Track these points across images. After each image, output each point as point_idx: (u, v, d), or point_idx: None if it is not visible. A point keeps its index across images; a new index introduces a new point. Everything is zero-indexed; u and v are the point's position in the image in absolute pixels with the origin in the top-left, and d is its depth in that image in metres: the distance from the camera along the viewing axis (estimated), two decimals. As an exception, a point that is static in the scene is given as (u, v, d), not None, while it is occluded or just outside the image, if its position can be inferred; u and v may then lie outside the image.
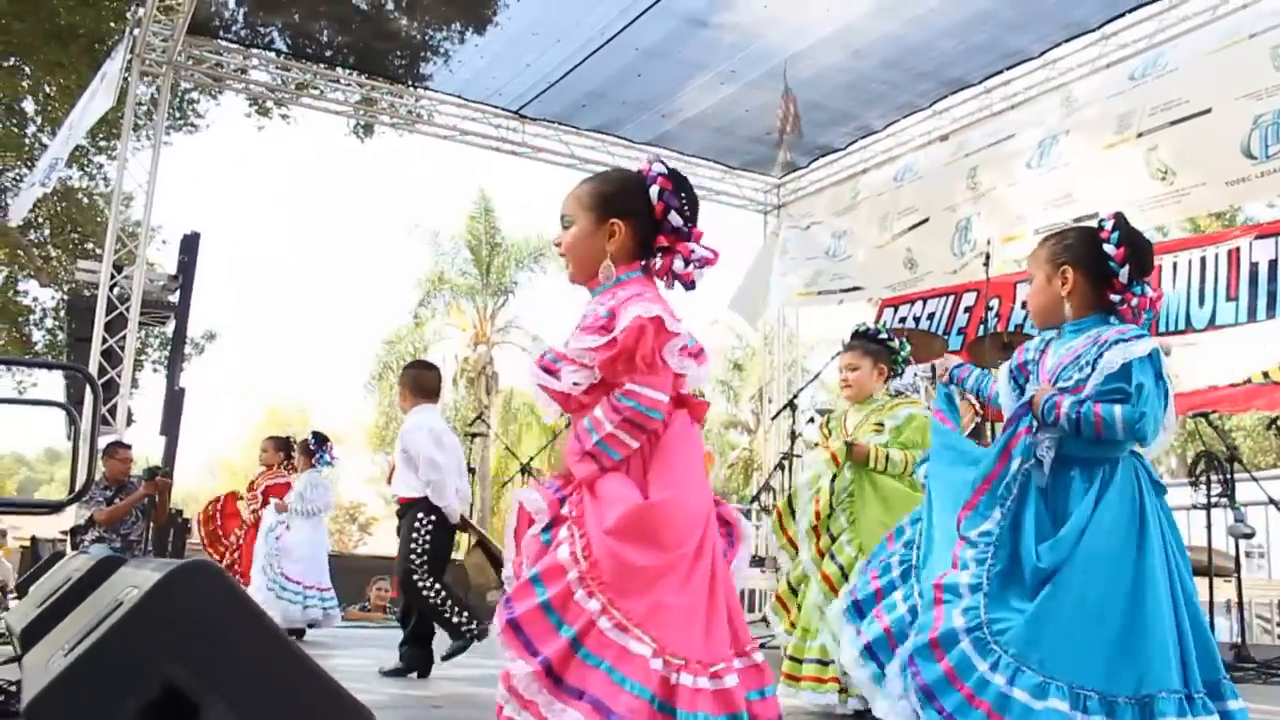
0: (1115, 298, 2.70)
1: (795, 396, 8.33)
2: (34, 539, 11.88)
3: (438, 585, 5.41)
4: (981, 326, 8.68)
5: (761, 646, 2.24)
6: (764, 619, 8.91)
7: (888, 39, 8.97)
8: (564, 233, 2.31)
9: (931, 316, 10.09)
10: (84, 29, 12.84)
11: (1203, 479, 7.23)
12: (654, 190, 2.26)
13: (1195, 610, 2.51)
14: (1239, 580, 7.19)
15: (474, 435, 13.27)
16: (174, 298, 9.93)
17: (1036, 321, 2.86)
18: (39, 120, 15.06)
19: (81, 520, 8.01)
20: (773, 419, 12.12)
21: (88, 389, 7.32)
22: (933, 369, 3.34)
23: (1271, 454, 19.08)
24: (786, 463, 8.74)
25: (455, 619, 5.38)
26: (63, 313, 15.06)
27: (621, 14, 8.69)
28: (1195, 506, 7.32)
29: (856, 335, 4.71)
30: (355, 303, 77.73)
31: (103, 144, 15.09)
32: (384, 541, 32.27)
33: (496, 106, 10.85)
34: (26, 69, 14.19)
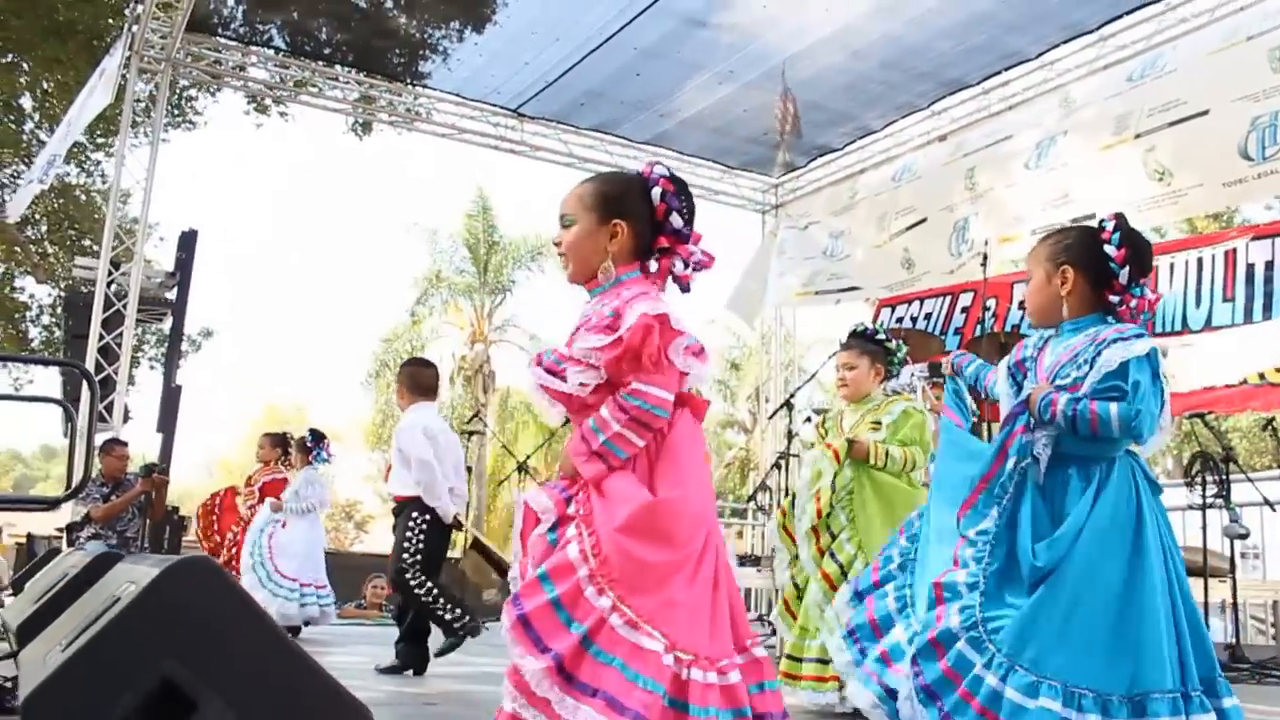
0: (1114, 298, 2.70)
1: (792, 396, 8.34)
2: (30, 536, 11.89)
3: (429, 583, 5.42)
4: (978, 327, 8.70)
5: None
6: (759, 618, 8.92)
7: (886, 40, 8.97)
8: (564, 232, 2.32)
9: (929, 316, 10.10)
10: (82, 25, 12.82)
11: (1198, 480, 7.25)
12: (656, 192, 2.28)
13: (1191, 608, 2.53)
14: (1234, 581, 7.20)
15: (471, 433, 13.27)
16: (171, 295, 9.92)
17: (1034, 320, 2.86)
18: (37, 117, 15.05)
19: (78, 517, 8.01)
20: (769, 418, 12.13)
21: (84, 386, 7.31)
22: (929, 369, 3.36)
23: (1267, 455, 19.09)
24: (783, 462, 8.74)
25: (448, 616, 5.38)
26: (60, 309, 15.04)
27: (620, 13, 8.69)
28: (1191, 507, 7.34)
29: (853, 335, 4.72)
30: (353, 300, 77.72)
31: (100, 141, 15.07)
32: (380, 539, 32.23)
33: (495, 105, 10.84)
34: (24, 65, 14.17)
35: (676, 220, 2.27)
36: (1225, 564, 7.35)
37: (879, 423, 4.52)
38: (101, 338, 9.14)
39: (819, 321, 19.42)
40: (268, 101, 13.06)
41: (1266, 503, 7.36)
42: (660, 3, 8.49)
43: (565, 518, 2.15)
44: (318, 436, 8.05)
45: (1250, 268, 7.47)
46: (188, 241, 9.97)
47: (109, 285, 9.30)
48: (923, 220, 9.95)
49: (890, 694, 2.69)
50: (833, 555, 4.33)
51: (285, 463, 8.30)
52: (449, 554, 6.60)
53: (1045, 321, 2.82)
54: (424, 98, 11.10)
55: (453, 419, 22.86)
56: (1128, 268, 2.67)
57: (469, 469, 7.09)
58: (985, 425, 6.02)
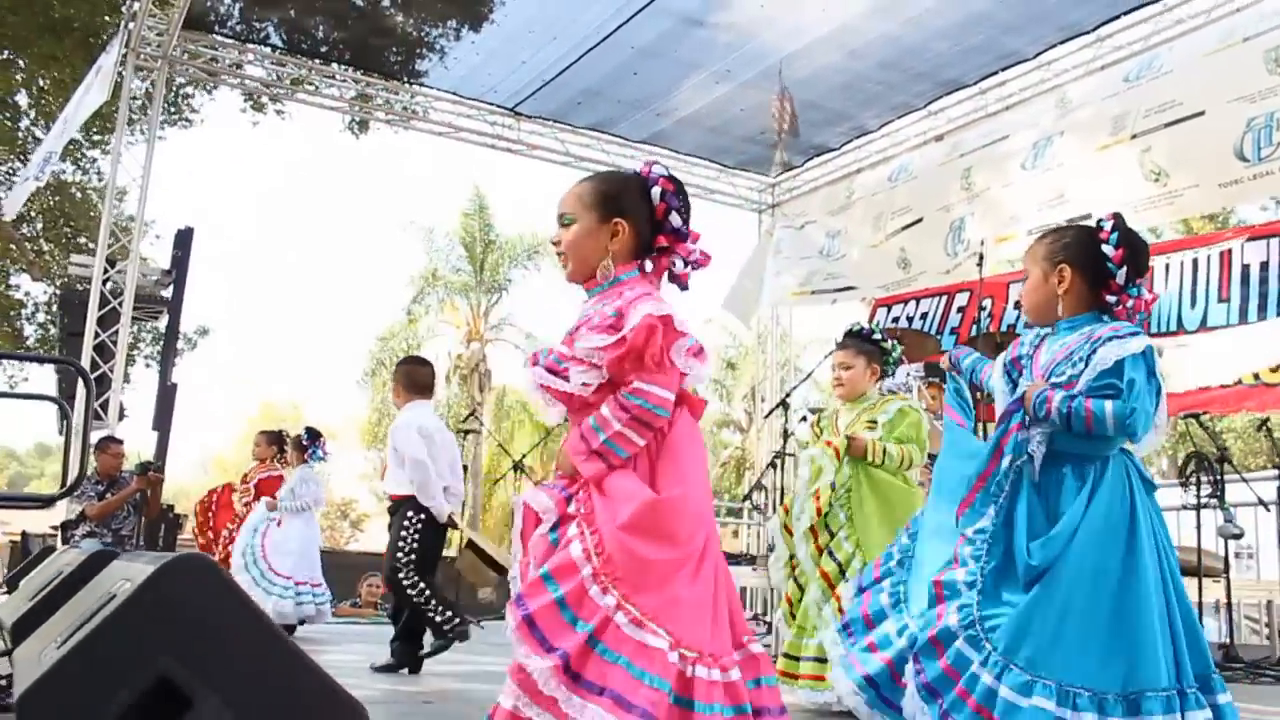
0: (1111, 298, 2.71)
1: (788, 395, 8.33)
2: (24, 534, 11.88)
3: (422, 584, 5.41)
4: (974, 327, 8.70)
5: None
6: (755, 617, 8.93)
7: (883, 39, 8.98)
8: (563, 231, 2.32)
9: (924, 316, 10.11)
10: (78, 22, 12.80)
11: (1193, 480, 7.26)
12: (656, 191, 2.29)
13: (1186, 606, 2.54)
14: (1228, 581, 7.22)
15: (466, 432, 13.29)
16: (167, 293, 9.91)
17: (1030, 317, 2.87)
18: (32, 114, 15.03)
19: (72, 515, 8.00)
20: (765, 418, 12.13)
21: (80, 383, 7.30)
22: (925, 369, 3.37)
23: (1262, 456, 19.12)
24: (779, 461, 8.74)
25: (439, 618, 5.37)
26: (55, 307, 15.00)
27: (617, 12, 8.69)
28: (1185, 507, 7.35)
29: (849, 335, 4.73)
30: (349, 299, 77.72)
31: (97, 138, 15.05)
32: (376, 538, 32.22)
33: (492, 104, 10.84)
34: (20, 62, 14.15)
35: (676, 219, 2.28)
36: (1219, 564, 7.37)
37: (874, 422, 4.53)
38: (97, 335, 9.13)
39: (815, 321, 19.40)
40: (264, 99, 13.04)
41: (1261, 503, 7.37)
42: (657, 2, 8.49)
43: (566, 517, 2.15)
44: (313, 435, 8.05)
45: (1245, 268, 7.49)
46: (184, 239, 9.97)
47: (105, 283, 9.28)
48: (919, 220, 9.96)
49: (870, 682, 2.71)
50: (831, 554, 4.33)
51: (281, 461, 8.29)
52: (444, 553, 6.59)
53: (1041, 320, 2.83)
54: (421, 96, 11.10)
55: (449, 418, 22.85)
56: (1125, 268, 2.68)
57: (465, 468, 7.08)
58: (982, 426, 6.03)
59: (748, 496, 11.27)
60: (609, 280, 2.27)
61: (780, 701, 2.15)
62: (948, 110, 10.19)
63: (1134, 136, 7.92)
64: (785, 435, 8.26)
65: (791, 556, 4.52)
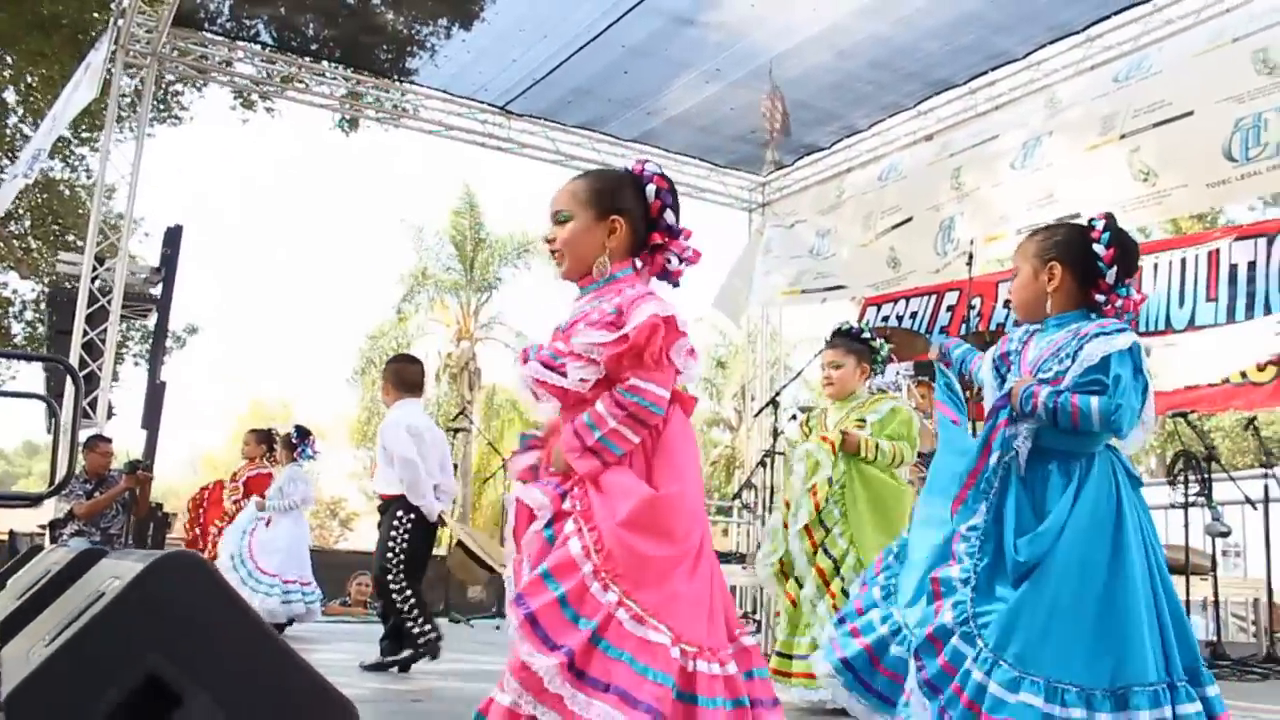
0: (1100, 298, 2.72)
1: (778, 394, 8.36)
2: (12, 533, 11.81)
3: (409, 591, 5.35)
4: (964, 326, 8.73)
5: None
6: (745, 615, 8.93)
7: (874, 39, 8.99)
8: (558, 228, 2.32)
9: (914, 315, 10.13)
10: (67, 19, 12.75)
11: (1181, 478, 7.30)
12: (651, 189, 2.30)
13: (1174, 600, 2.55)
14: (1215, 579, 7.26)
15: (456, 430, 13.27)
16: (156, 291, 9.87)
17: (1020, 314, 2.87)
18: (20, 111, 14.96)
19: (61, 514, 7.97)
20: (755, 416, 12.14)
21: (68, 381, 7.28)
22: (915, 367, 3.38)
23: (1249, 454, 19.21)
24: (769, 460, 8.76)
25: (415, 629, 5.30)
26: (43, 305, 14.94)
27: (608, 11, 8.68)
28: (1173, 505, 7.39)
29: (839, 334, 4.75)
30: (339, 297, 77.53)
31: (85, 135, 14.99)
32: (365, 537, 32.18)
33: (482, 102, 10.82)
34: (8, 59, 14.10)
35: (670, 216, 2.30)
36: (1207, 562, 7.41)
37: (863, 420, 4.55)
38: (86, 334, 9.09)
39: (805, 320, 19.44)
40: (254, 97, 13.01)
41: (1248, 501, 7.41)
42: (648, 1, 8.49)
43: (561, 513, 2.14)
44: (303, 433, 8.03)
45: (1233, 268, 7.52)
46: (173, 237, 9.93)
47: (93, 281, 9.25)
48: (909, 219, 9.97)
49: (846, 665, 2.73)
50: (826, 550, 4.34)
51: (271, 459, 8.28)
52: (434, 551, 6.58)
53: (1030, 317, 2.84)
54: (411, 94, 11.08)
55: (438, 416, 22.83)
56: (1115, 268, 2.69)
57: (454, 466, 7.08)
58: (974, 425, 6.05)
59: (737, 495, 11.28)
60: (605, 278, 2.27)
61: (773, 693, 2.17)
62: (937, 110, 10.21)
63: (1123, 136, 7.94)
64: (775, 434, 8.28)
65: (782, 557, 4.52)
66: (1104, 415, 2.50)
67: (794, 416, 6.38)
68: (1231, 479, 7.37)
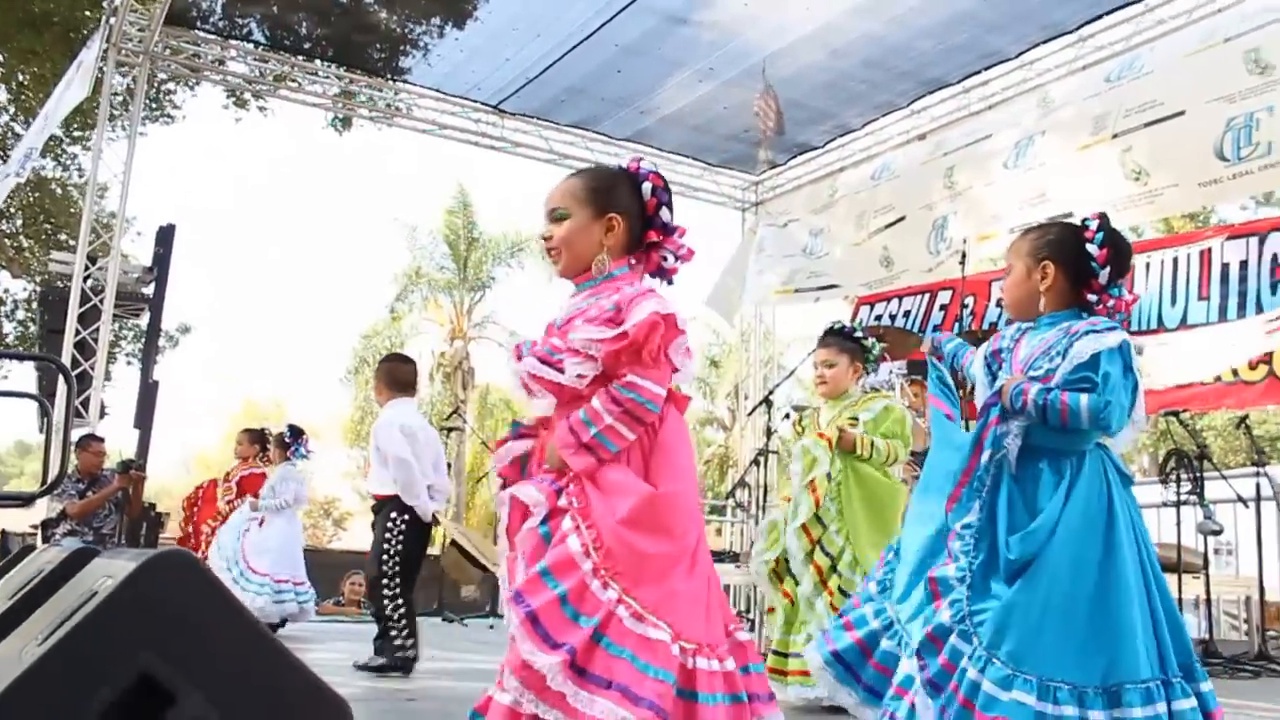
0: (1092, 297, 2.72)
1: (771, 393, 8.36)
2: (4, 532, 11.81)
3: (400, 600, 5.30)
4: (956, 325, 8.74)
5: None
6: (739, 614, 8.94)
7: (867, 38, 9.00)
8: (555, 226, 2.32)
9: (907, 314, 10.15)
10: (58, 17, 12.71)
11: (1173, 477, 7.32)
12: (647, 187, 2.32)
13: (1166, 597, 2.56)
14: (1207, 577, 7.28)
15: (450, 430, 13.27)
16: (149, 290, 9.86)
17: (1011, 312, 2.88)
18: (12, 109, 14.92)
19: (53, 513, 7.96)
20: (749, 415, 12.15)
21: (60, 381, 7.27)
22: (908, 366, 3.39)
23: (1241, 453, 19.26)
24: (762, 459, 8.76)
25: (397, 639, 5.25)
26: (35, 304, 14.92)
27: (601, 10, 8.69)
28: (1165, 504, 7.41)
29: (831, 333, 4.75)
30: (332, 296, 77.29)
31: (77, 134, 14.95)
32: (359, 536, 32.12)
33: (475, 101, 10.82)
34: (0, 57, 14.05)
35: (665, 214, 2.31)
36: (1199, 560, 7.43)
37: (856, 418, 4.56)
38: (78, 333, 9.08)
39: (798, 319, 19.44)
40: (247, 96, 12.98)
41: (1240, 500, 7.43)
42: (641, 0, 8.49)
43: (556, 510, 2.14)
44: (296, 432, 8.02)
45: (1225, 267, 7.55)
46: (165, 236, 9.92)
47: (86, 280, 9.23)
48: (902, 218, 9.99)
49: (837, 658, 2.75)
50: (823, 548, 4.35)
51: (264, 459, 8.27)
52: (428, 551, 6.57)
53: (1022, 315, 2.84)
54: (404, 93, 11.07)
55: (432, 415, 22.82)
56: (1108, 268, 2.69)
57: (448, 465, 7.07)
58: (966, 424, 6.07)
59: (731, 494, 11.29)
60: (603, 275, 2.28)
61: (768, 687, 2.19)
62: (930, 109, 10.23)
63: (1115, 136, 7.96)
64: (768, 433, 8.28)
65: (778, 555, 4.50)
66: (1093, 413, 2.51)
67: (787, 415, 6.38)
68: (1224, 477, 7.38)
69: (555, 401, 2.20)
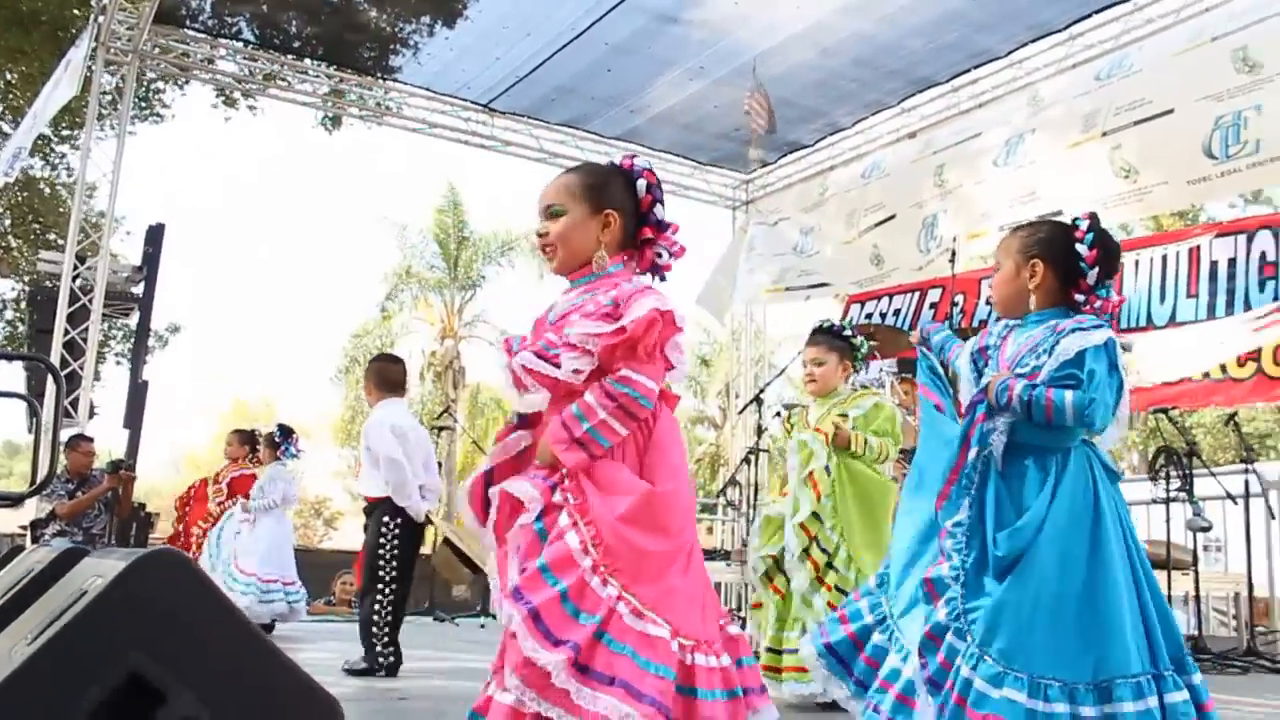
0: (1080, 297, 2.73)
1: (762, 391, 8.36)
2: (-7, 533, 11.75)
3: (391, 605, 5.27)
4: (946, 322, 8.75)
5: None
6: (730, 612, 8.95)
7: (857, 37, 9.01)
8: (551, 222, 2.31)
9: (897, 312, 10.17)
10: (46, 16, 12.66)
11: (1162, 474, 7.34)
12: (641, 184, 2.32)
13: (1156, 591, 2.57)
14: (1196, 573, 7.31)
15: (441, 429, 13.25)
16: (138, 289, 9.82)
17: (999, 310, 2.88)
18: (0, 109, 14.85)
19: (42, 514, 7.93)
20: (739, 414, 12.16)
21: (49, 381, 7.24)
22: (898, 364, 3.39)
23: (1230, 450, 19.34)
24: (753, 457, 8.77)
25: (378, 645, 5.21)
26: (24, 304, 14.86)
27: (591, 9, 8.68)
28: (1155, 501, 7.44)
29: (819, 331, 4.76)
30: (322, 296, 77.15)
31: (66, 133, 14.90)
32: (350, 536, 32.10)
33: (466, 100, 10.81)
34: (-12, 56, 13.99)
35: (660, 211, 2.32)
36: (1188, 557, 7.46)
37: (845, 415, 4.56)
38: (67, 333, 9.04)
39: (789, 318, 19.49)
40: (236, 95, 12.95)
41: (1229, 496, 7.46)
42: (631, -1, 8.50)
43: (551, 506, 2.13)
44: (286, 432, 8.00)
45: (1214, 265, 7.58)
46: (155, 235, 9.88)
47: (74, 279, 9.20)
48: (892, 217, 10.00)
49: (830, 650, 2.76)
50: (819, 544, 4.35)
51: (254, 459, 8.25)
52: (421, 550, 6.54)
53: (1010, 312, 2.85)
54: (394, 92, 11.06)
55: (423, 415, 22.79)
56: (1097, 268, 2.69)
57: (439, 465, 7.05)
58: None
59: (721, 492, 11.29)
60: (600, 271, 2.28)
61: (760, 681, 2.19)
62: (920, 108, 10.25)
63: (1104, 134, 7.99)
64: (759, 431, 8.30)
65: (776, 558, 4.49)
66: (1077, 410, 2.51)
67: (778, 414, 6.39)
68: (1213, 474, 7.42)
69: (549, 397, 2.19)
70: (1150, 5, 8.33)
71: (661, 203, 2.32)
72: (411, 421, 5.77)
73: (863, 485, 4.48)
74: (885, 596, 2.76)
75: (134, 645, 1.67)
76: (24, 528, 8.80)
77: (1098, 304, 2.72)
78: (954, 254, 7.68)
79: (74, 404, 8.97)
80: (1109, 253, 2.72)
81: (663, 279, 2.35)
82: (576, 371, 2.14)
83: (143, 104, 14.44)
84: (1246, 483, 7.44)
